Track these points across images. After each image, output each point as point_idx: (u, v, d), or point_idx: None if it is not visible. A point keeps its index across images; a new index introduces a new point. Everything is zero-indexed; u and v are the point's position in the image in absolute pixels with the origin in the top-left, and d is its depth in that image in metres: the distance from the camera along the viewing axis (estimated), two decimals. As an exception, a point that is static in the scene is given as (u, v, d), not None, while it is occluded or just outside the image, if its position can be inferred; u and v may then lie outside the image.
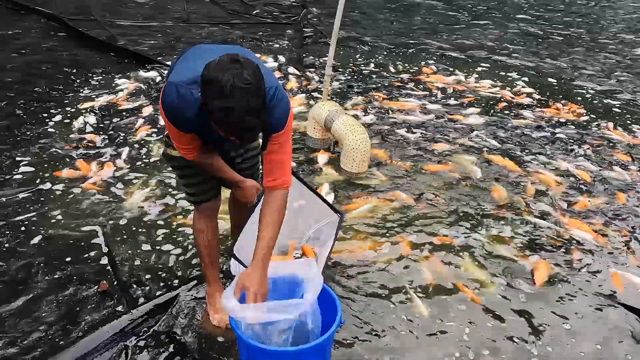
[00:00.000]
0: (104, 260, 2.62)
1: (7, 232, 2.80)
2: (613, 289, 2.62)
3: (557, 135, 4.53)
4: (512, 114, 4.94)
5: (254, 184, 2.09)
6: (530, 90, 5.63)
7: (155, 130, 4.12)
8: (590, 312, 2.47)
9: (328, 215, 2.10)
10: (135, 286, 2.46)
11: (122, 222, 2.94)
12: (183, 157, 1.95)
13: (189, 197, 2.17)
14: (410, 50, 6.93)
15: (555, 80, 6.07)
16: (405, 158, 3.89)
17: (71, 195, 3.17)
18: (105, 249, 2.70)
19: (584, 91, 5.74)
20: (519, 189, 3.55)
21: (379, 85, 5.50)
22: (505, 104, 5.18)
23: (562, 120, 4.87)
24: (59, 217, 2.96)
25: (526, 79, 5.98)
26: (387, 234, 2.95)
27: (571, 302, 2.53)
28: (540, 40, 8.05)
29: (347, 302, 2.41)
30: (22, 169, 3.43)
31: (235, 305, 1.74)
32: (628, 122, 4.94)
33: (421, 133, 4.36)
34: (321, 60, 6.02)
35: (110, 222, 2.94)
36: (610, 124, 4.81)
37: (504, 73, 6.16)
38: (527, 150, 4.18)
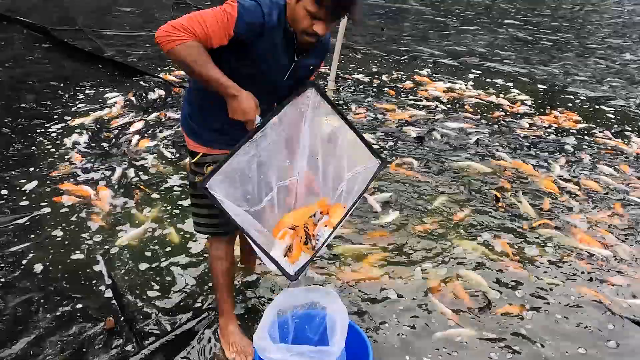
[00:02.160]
0: (109, 293, 2.48)
1: (3, 264, 2.64)
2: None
3: (561, 144, 4.50)
4: (513, 122, 4.91)
5: (252, 96, 1.65)
6: (525, 97, 5.62)
7: (154, 143, 3.99)
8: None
9: (365, 161, 1.81)
10: (144, 322, 2.33)
11: (125, 250, 2.80)
12: None
13: (215, 228, 2.01)
14: (403, 58, 6.89)
15: (549, 87, 6.08)
16: (413, 170, 3.82)
17: (70, 222, 3.02)
18: (108, 281, 2.55)
19: (578, 98, 5.75)
20: (532, 201, 3.50)
21: (375, 94, 5.43)
22: (502, 113, 5.15)
23: (562, 128, 4.86)
24: (58, 246, 2.80)
25: (518, 85, 5.99)
26: (405, 256, 2.87)
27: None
28: (530, 45, 8.09)
29: (373, 335, 2.31)
30: (16, 194, 3.26)
31: (267, 344, 1.65)
32: (620, 127, 4.95)
33: (424, 143, 4.30)
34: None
35: (113, 250, 2.79)
36: (608, 132, 4.82)
37: (497, 80, 6.15)
38: (531, 160, 4.14)
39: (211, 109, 1.82)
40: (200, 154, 1.90)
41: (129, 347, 2.19)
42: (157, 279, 2.59)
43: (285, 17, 1.67)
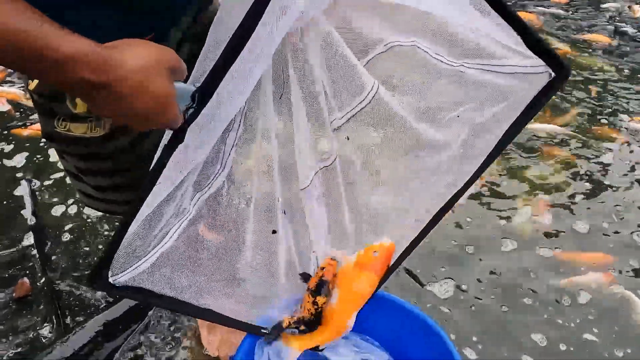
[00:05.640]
0: (29, 239, 1.63)
1: None
2: None
3: None
4: None
5: (152, 50, 0.58)
6: None
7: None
8: None
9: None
10: (75, 288, 1.49)
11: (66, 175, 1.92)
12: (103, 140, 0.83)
13: (115, 205, 0.98)
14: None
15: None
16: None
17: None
18: (31, 220, 1.70)
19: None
20: None
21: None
22: None
23: None
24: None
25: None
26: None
27: None
28: None
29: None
30: None
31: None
32: None
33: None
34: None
35: (49, 176, 1.92)
36: None
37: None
38: None
39: None
40: None
41: (45, 330, 1.36)
42: (106, 222, 1.72)
43: None
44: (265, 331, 0.83)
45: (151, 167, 0.62)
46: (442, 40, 0.70)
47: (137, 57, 0.54)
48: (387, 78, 0.73)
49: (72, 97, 0.80)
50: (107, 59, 0.52)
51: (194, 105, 0.59)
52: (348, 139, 0.78)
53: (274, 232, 0.78)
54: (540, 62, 0.65)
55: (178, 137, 0.60)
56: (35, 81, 0.83)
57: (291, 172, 0.80)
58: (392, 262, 0.89)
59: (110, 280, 0.64)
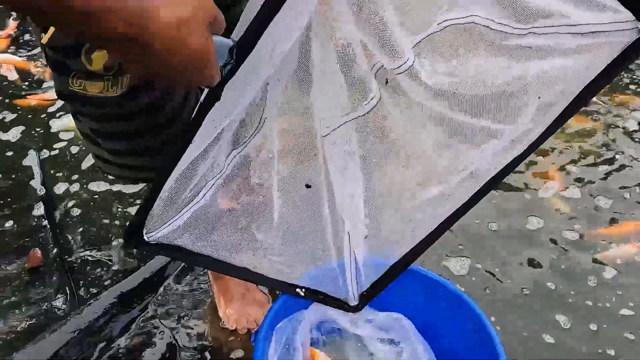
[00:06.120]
0: (40, 209, 1.59)
1: None
2: None
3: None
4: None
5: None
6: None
7: None
8: None
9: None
10: (89, 259, 1.45)
11: (74, 144, 1.87)
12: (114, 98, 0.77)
13: (136, 172, 0.96)
14: None
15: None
16: None
17: (-4, 102, 2.08)
18: (41, 190, 1.65)
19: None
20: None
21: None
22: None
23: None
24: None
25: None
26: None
27: None
28: None
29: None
30: None
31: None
32: None
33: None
34: None
35: (54, 143, 1.87)
36: None
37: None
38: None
39: None
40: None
41: (58, 301, 1.33)
42: (117, 190, 1.67)
43: None
44: (300, 291, 0.80)
45: (187, 125, 0.57)
46: (505, 4, 0.61)
47: (173, 8, 0.47)
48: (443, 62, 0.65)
49: (88, 53, 0.74)
50: (143, 9, 0.45)
51: (232, 61, 0.53)
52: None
53: (308, 186, 0.73)
54: (629, 15, 0.54)
55: (215, 94, 0.55)
56: (49, 33, 0.76)
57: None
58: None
59: (145, 237, 0.61)
